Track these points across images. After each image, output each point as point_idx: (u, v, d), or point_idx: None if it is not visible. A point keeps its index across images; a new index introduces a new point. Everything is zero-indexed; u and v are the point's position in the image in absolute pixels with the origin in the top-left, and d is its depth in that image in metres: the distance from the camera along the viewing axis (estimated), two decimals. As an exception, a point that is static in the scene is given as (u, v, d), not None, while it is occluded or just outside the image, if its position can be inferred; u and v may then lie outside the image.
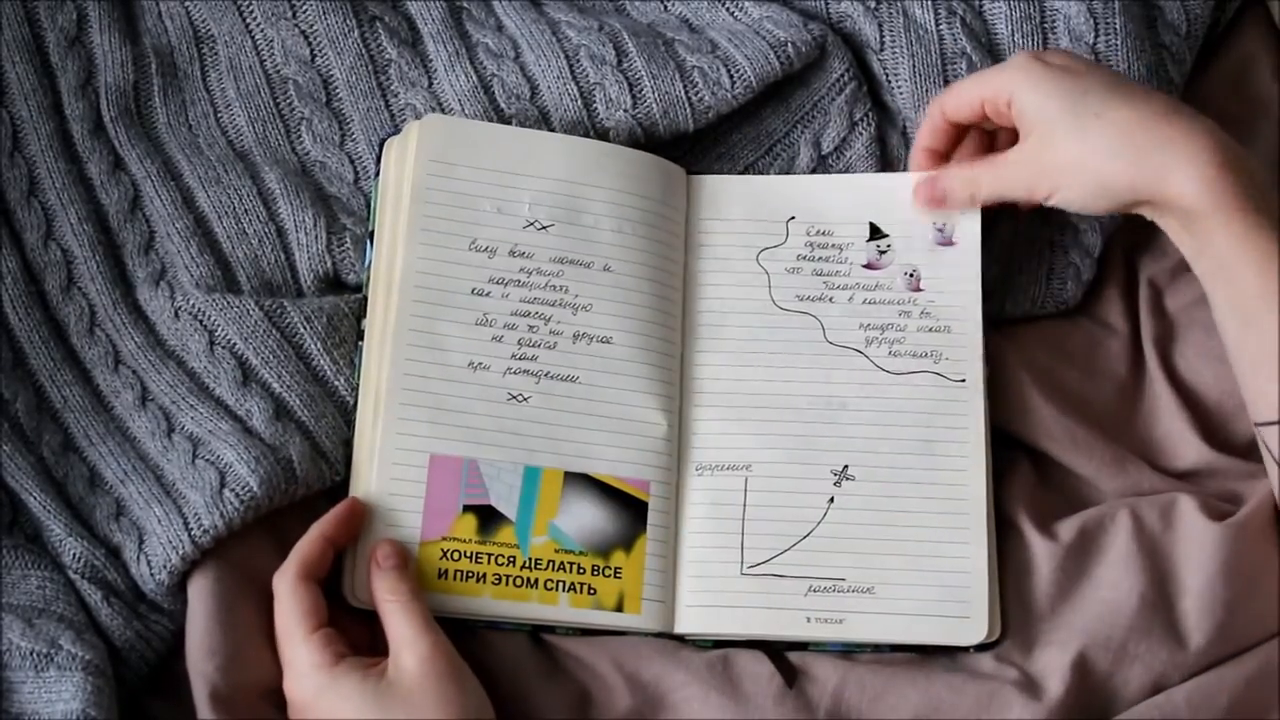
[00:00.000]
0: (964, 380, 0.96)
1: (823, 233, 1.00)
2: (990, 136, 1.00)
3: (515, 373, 0.95)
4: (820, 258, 0.99)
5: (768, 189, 1.01)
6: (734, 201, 1.01)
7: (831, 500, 0.94)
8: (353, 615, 0.90)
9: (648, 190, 0.99)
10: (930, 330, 0.97)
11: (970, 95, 0.95)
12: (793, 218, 1.00)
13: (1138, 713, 0.89)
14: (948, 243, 0.99)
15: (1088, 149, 0.90)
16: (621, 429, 0.95)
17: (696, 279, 1.00)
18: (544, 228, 0.97)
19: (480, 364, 0.94)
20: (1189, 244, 0.90)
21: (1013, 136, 0.96)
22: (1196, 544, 0.92)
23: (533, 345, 0.95)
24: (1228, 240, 0.87)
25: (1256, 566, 0.92)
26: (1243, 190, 0.87)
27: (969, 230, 0.99)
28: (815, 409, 0.96)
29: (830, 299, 0.98)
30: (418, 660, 0.85)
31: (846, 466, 0.95)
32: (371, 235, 0.97)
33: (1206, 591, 0.91)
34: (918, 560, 0.93)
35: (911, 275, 0.98)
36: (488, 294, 0.95)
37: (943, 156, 0.99)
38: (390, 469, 0.92)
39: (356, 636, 0.89)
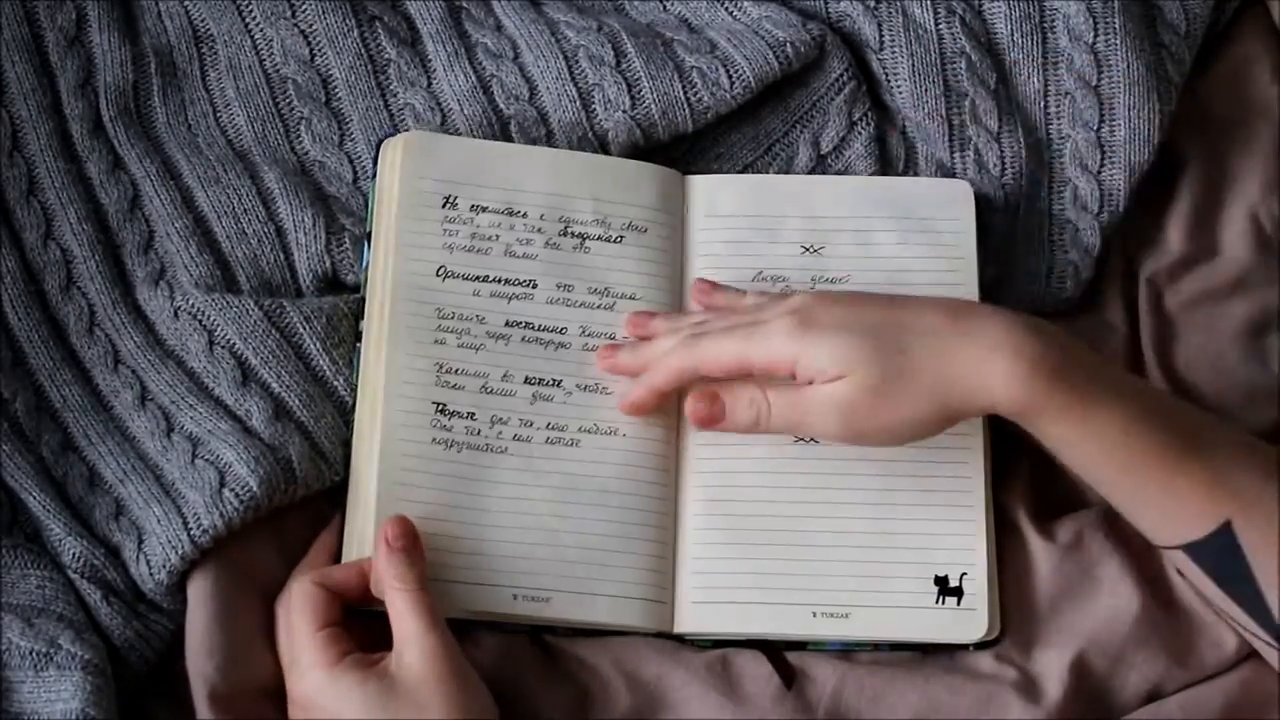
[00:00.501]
0: None
1: (818, 231, 0.99)
2: None
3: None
4: (815, 251, 0.98)
5: (765, 187, 1.01)
6: (730, 200, 1.00)
7: (830, 490, 0.93)
8: (351, 613, 0.89)
9: (640, 199, 0.99)
10: None
11: (730, 358, 0.88)
12: (791, 216, 1.00)
13: (1135, 716, 0.89)
14: (939, 236, 0.97)
15: (905, 397, 0.85)
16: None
17: (694, 278, 0.99)
18: (534, 244, 0.97)
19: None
20: (1029, 427, 0.87)
21: None
22: (1195, 546, 0.92)
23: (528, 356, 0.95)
24: (1065, 428, 0.85)
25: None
26: (1065, 377, 0.84)
27: (964, 221, 0.98)
28: None
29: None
30: (421, 657, 0.84)
31: (844, 455, 0.93)
32: (369, 235, 0.97)
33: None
34: (919, 553, 0.92)
35: (904, 272, 0.97)
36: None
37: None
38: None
39: (355, 635, 0.88)
